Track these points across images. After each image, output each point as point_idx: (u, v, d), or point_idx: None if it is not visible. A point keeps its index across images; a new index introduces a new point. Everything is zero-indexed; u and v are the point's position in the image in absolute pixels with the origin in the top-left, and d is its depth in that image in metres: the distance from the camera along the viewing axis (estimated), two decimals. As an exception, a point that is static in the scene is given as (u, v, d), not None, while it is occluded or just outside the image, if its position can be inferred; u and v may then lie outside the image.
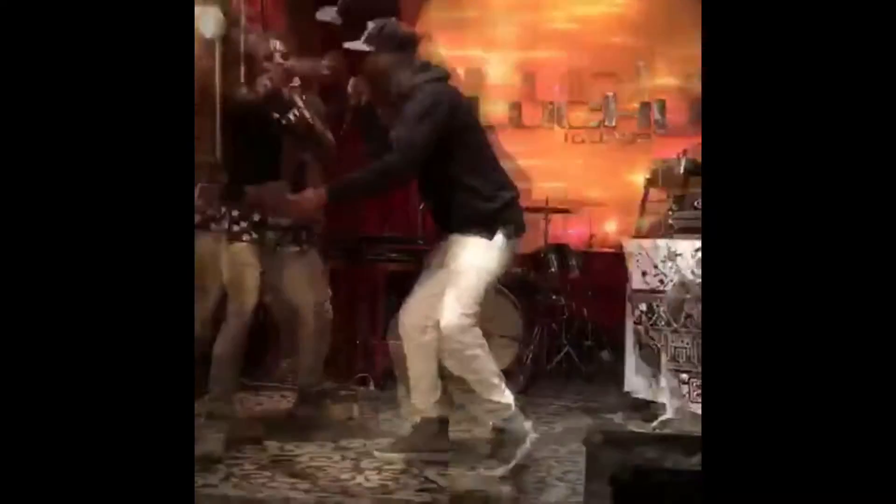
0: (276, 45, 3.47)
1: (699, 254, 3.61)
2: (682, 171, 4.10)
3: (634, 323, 3.94)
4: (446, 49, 6.19)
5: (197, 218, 3.42)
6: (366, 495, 2.86)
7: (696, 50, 5.07)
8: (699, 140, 5.24)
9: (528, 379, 4.65)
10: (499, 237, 3.14)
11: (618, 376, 4.28)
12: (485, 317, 4.82)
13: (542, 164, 5.95)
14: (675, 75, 5.89)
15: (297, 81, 3.47)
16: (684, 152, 4.23)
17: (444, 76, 3.23)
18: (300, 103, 3.40)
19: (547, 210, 5.16)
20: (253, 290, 3.42)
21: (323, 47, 6.10)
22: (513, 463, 3.06)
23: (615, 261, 4.40)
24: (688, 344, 3.69)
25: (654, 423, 3.75)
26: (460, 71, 6.17)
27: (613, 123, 6.01)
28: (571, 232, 5.72)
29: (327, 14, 4.44)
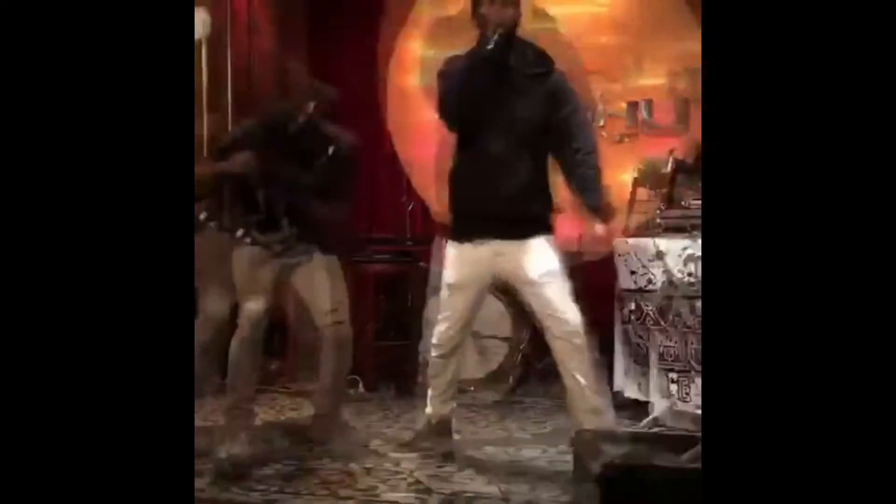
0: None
1: (686, 252, 3.62)
2: (669, 170, 4.11)
3: (623, 322, 3.95)
4: (434, 49, 6.20)
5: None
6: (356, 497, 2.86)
7: (682, 49, 5.11)
8: (686, 139, 5.26)
9: (517, 379, 4.65)
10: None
11: (607, 375, 4.29)
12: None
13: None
14: (662, 75, 5.90)
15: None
16: (671, 152, 4.24)
17: None
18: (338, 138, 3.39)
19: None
20: (259, 295, 3.33)
21: (312, 47, 6.14)
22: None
23: (604, 260, 4.40)
24: (676, 343, 3.70)
25: (643, 422, 3.76)
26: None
27: (601, 123, 6.02)
28: (560, 231, 5.72)
29: None
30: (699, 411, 3.60)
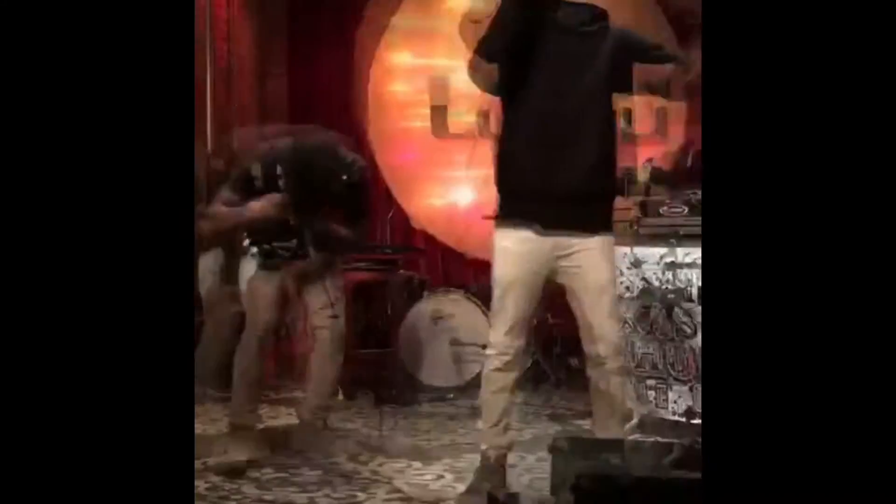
0: None
1: (664, 261, 3.66)
2: (647, 178, 4.14)
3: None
4: (412, 58, 6.22)
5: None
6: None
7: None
8: (664, 148, 5.29)
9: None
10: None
11: (586, 383, 4.30)
12: (454, 325, 4.88)
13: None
14: (639, 84, 5.95)
15: None
16: (649, 160, 4.28)
17: None
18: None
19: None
20: (265, 307, 3.38)
21: (291, 55, 6.13)
22: None
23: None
24: (654, 350, 3.73)
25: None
26: (426, 80, 6.21)
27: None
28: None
29: None
30: (676, 418, 3.63)
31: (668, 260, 3.65)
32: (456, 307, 4.91)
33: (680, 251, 3.61)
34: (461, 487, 3.02)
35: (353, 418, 4.16)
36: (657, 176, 4.15)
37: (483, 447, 2.86)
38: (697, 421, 3.47)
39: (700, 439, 1.87)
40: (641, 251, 3.76)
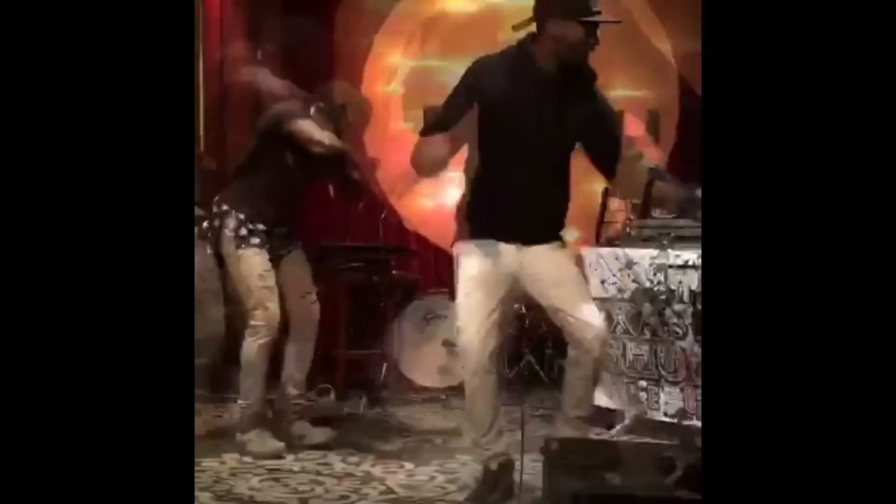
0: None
1: (656, 262, 3.67)
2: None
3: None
4: (405, 58, 6.21)
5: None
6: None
7: (653, 62, 5.14)
8: (656, 151, 5.30)
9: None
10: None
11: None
12: (446, 326, 4.88)
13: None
14: (632, 87, 5.96)
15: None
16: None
17: None
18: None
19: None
20: (273, 296, 3.49)
21: (284, 53, 6.12)
22: None
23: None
24: (646, 352, 3.74)
25: (614, 430, 3.80)
26: (420, 81, 6.21)
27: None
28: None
29: None
30: (668, 419, 3.64)
31: (660, 262, 3.66)
32: (448, 308, 4.91)
33: (671, 253, 3.62)
34: (452, 488, 3.03)
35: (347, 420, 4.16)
36: (656, 176, 4.15)
37: (484, 457, 2.85)
38: (689, 422, 3.49)
39: (700, 455, 1.85)
40: (633, 252, 3.78)
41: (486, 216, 2.83)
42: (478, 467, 2.98)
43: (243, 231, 3.46)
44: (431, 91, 6.16)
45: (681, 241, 3.63)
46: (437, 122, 2.77)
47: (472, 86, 2.78)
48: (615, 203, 4.35)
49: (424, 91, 6.21)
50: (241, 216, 3.47)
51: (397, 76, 6.29)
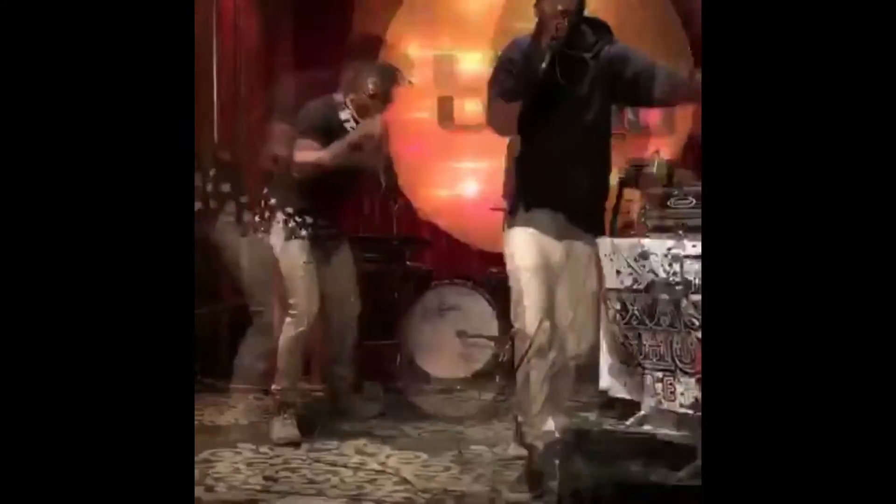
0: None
1: (671, 252, 3.64)
2: (655, 170, 4.12)
3: (609, 321, 3.97)
4: (419, 49, 6.20)
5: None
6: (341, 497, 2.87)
7: (667, 50, 5.11)
8: (672, 140, 5.28)
9: (505, 379, 4.66)
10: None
11: (593, 374, 4.31)
12: (460, 316, 4.88)
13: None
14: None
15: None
16: (657, 152, 4.26)
17: None
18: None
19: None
20: (315, 288, 3.61)
21: (297, 45, 6.12)
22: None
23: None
24: (661, 342, 3.72)
25: (629, 421, 3.78)
26: (433, 70, 6.20)
27: (588, 123, 6.03)
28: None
29: None
30: (683, 410, 3.63)
31: (675, 252, 3.63)
32: (462, 298, 4.90)
33: (687, 243, 3.60)
34: (467, 479, 3.03)
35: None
36: (665, 167, 4.13)
37: (528, 440, 2.92)
38: (704, 413, 3.47)
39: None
40: (649, 243, 3.76)
41: (534, 188, 2.98)
42: (491, 456, 3.05)
43: (291, 224, 3.61)
44: (445, 81, 6.18)
45: (697, 230, 3.60)
46: (508, 89, 2.88)
47: (512, 60, 2.92)
48: (631, 193, 4.32)
49: (438, 81, 6.22)
50: (290, 209, 3.63)
51: (410, 65, 6.27)
